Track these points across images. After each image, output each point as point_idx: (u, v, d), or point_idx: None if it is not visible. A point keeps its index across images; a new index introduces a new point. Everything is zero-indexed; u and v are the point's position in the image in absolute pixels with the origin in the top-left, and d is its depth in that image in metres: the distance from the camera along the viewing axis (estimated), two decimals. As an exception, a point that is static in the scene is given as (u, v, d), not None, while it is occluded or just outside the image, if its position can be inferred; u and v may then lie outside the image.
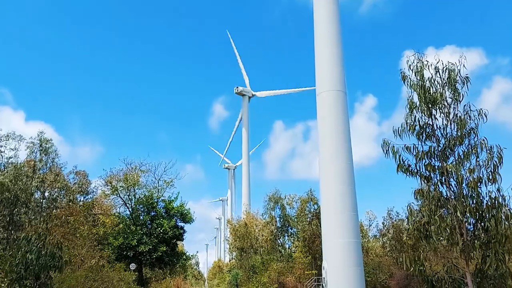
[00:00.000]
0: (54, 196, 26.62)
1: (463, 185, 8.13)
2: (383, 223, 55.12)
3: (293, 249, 52.64)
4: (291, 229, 52.56)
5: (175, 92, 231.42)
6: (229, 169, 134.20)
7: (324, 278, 41.65)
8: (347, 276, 39.50)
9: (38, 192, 26.87)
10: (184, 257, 34.54)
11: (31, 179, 23.60)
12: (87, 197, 32.83)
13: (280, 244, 53.50)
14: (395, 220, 54.41)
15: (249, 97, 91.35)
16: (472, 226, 8.20)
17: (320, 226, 44.95)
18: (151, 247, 28.63)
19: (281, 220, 52.93)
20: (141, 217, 30.45)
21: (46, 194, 28.40)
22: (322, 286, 42.17)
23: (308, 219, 50.18)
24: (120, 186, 30.56)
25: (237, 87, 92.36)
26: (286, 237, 53.43)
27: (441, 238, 8.00)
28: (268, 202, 53.02)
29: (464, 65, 8.57)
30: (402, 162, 8.76)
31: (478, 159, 8.15)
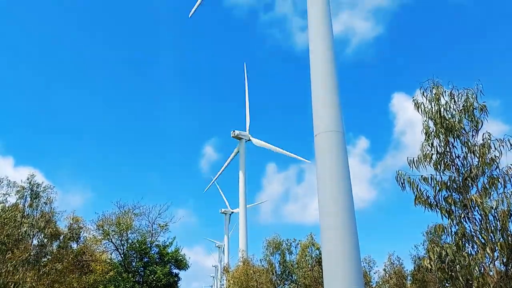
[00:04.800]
0: (43, 243, 25.32)
1: (490, 218, 7.44)
2: (384, 269, 53.01)
3: (293, 297, 50.18)
4: (291, 276, 50.28)
5: (165, 136, 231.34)
6: (225, 214, 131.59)
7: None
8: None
9: (28, 238, 25.63)
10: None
11: (20, 224, 22.49)
12: (80, 243, 31.45)
13: (279, 292, 51.02)
14: (396, 266, 52.41)
15: (246, 141, 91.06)
16: (503, 265, 7.40)
17: (322, 272, 43.18)
18: (143, 296, 27.06)
19: (281, 267, 50.67)
20: (134, 264, 28.98)
21: (35, 241, 27.07)
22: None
23: (309, 265, 48.15)
24: (112, 230, 29.31)
25: (234, 131, 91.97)
26: (287, 285, 50.99)
27: (469, 278, 7.17)
28: (267, 247, 50.85)
29: (481, 91, 8.14)
30: (420, 194, 8.06)
31: (505, 190, 7.50)
